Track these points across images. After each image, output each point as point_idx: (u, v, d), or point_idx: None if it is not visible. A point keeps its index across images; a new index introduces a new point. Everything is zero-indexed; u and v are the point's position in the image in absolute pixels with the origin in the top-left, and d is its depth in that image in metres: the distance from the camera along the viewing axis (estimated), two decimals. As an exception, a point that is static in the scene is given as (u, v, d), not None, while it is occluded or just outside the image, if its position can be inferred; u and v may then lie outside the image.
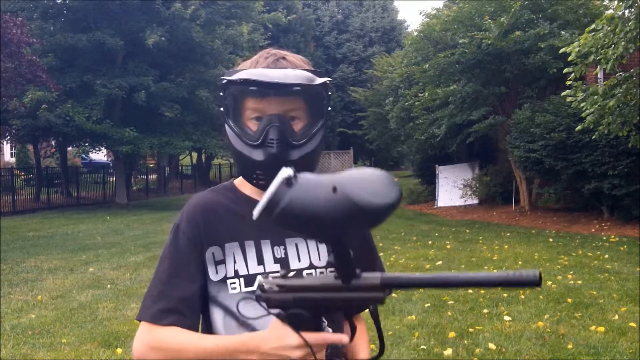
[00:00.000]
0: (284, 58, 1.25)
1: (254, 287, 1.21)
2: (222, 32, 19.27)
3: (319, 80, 1.20)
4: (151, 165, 29.59)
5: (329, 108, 1.26)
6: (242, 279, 1.24)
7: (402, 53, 19.34)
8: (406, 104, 16.19)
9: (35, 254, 9.40)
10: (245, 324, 1.23)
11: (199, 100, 18.63)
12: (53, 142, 22.55)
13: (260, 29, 23.31)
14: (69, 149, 23.58)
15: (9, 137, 20.48)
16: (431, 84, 14.40)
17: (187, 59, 19.19)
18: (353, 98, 27.74)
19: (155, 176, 28.29)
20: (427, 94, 14.23)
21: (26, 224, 14.12)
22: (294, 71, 1.20)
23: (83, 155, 25.66)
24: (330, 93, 1.25)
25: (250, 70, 1.20)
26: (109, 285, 6.91)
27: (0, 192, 17.24)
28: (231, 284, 1.24)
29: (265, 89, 1.17)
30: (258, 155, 1.20)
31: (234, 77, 1.20)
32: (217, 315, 1.26)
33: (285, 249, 1.27)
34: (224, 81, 1.22)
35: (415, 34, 16.69)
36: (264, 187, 1.23)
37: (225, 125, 1.26)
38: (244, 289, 1.24)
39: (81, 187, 21.76)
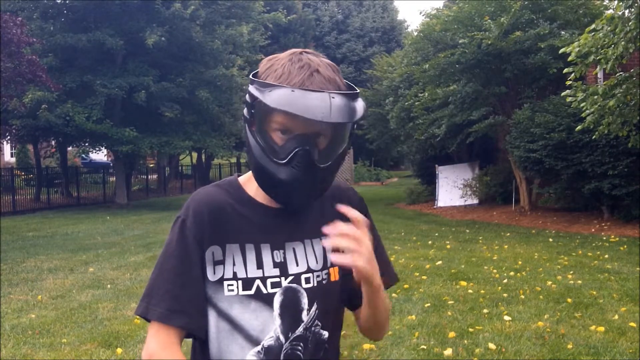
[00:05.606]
0: (317, 71, 1.19)
1: (251, 292, 1.22)
2: (222, 32, 19.27)
3: (360, 114, 1.17)
4: (151, 165, 29.59)
5: (355, 126, 1.23)
6: (240, 282, 1.22)
7: (402, 53, 19.34)
8: (406, 104, 16.18)
9: (35, 254, 9.39)
10: (239, 328, 1.22)
11: (199, 100, 18.61)
12: (53, 142, 22.55)
13: (260, 28, 23.29)
14: (69, 149, 23.59)
15: (9, 137, 20.49)
16: (431, 84, 14.39)
17: (187, 59, 19.17)
18: (353, 98, 27.66)
19: (155, 176, 28.31)
20: (427, 94, 14.23)
21: (26, 224, 14.11)
22: (337, 105, 1.13)
23: (83, 155, 25.68)
24: None
25: (289, 96, 1.12)
26: (109, 285, 6.91)
27: (0, 192, 17.23)
28: (228, 285, 1.22)
29: (307, 123, 1.15)
30: (282, 173, 1.18)
31: (274, 105, 1.13)
32: (211, 317, 1.24)
33: (284, 252, 1.26)
34: (260, 102, 1.16)
35: (415, 34, 16.71)
36: (280, 201, 1.24)
37: (248, 132, 1.23)
38: (242, 292, 1.22)
39: (81, 187, 21.76)
